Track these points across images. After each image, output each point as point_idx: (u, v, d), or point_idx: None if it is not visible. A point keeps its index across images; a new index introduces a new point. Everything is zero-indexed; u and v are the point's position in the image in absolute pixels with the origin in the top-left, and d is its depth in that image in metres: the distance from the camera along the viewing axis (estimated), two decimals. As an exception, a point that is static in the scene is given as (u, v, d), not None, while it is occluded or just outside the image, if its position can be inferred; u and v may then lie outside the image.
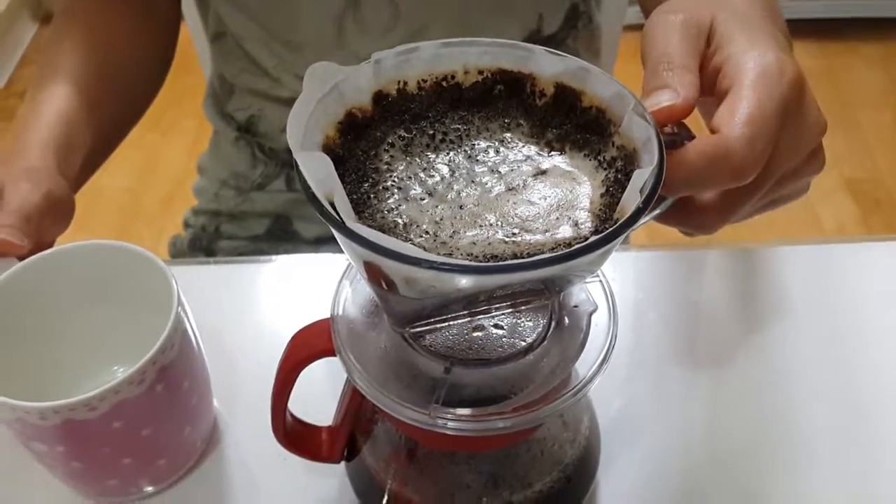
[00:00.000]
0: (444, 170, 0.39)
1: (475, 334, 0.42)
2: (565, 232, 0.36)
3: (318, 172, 0.34)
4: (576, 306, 0.44)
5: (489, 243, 0.36)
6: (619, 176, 0.38)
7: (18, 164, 0.63)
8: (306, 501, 0.55)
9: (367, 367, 0.42)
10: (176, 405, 0.52)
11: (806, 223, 1.91)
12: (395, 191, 0.38)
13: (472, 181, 0.39)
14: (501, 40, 0.41)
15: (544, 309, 0.43)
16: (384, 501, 0.49)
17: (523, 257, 0.35)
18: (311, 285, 0.67)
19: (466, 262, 0.34)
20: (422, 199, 0.38)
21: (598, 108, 0.40)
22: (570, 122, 0.41)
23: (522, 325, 0.42)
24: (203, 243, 0.92)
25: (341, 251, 0.36)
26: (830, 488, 0.54)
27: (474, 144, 0.40)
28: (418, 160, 0.40)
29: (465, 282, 0.33)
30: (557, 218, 0.37)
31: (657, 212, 0.40)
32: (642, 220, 0.35)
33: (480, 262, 0.35)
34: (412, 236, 0.36)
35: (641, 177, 0.34)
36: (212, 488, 0.56)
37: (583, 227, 0.36)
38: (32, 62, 2.52)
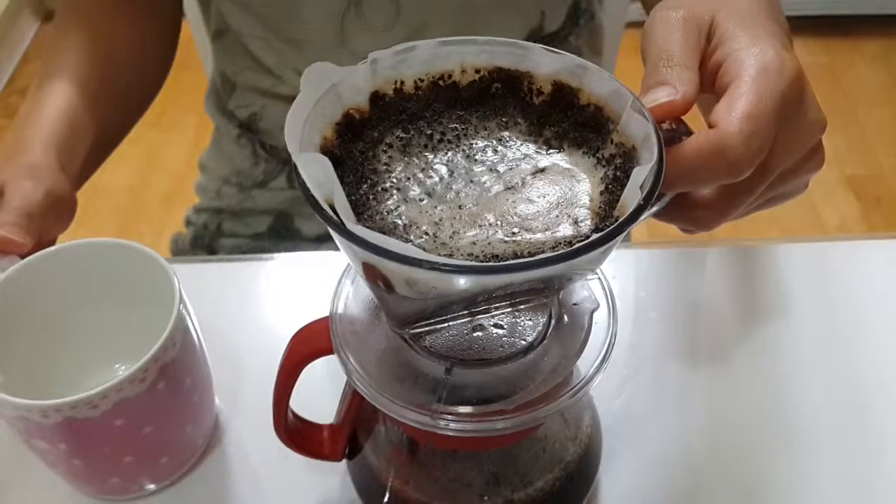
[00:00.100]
0: (443, 170, 0.39)
1: (475, 334, 0.42)
2: (565, 230, 0.36)
3: (318, 175, 0.34)
4: (575, 304, 0.44)
5: (489, 243, 0.36)
6: (619, 173, 0.38)
7: (20, 161, 0.63)
8: (308, 499, 0.55)
9: (366, 368, 0.42)
10: (178, 403, 0.52)
11: (807, 220, 1.91)
12: (394, 192, 0.38)
13: (471, 181, 0.38)
14: (498, 38, 0.41)
15: (544, 308, 0.43)
16: (385, 499, 0.49)
17: (524, 256, 0.35)
18: (312, 283, 0.67)
19: (469, 263, 0.34)
20: (421, 200, 0.38)
21: (595, 105, 0.40)
22: (568, 120, 0.41)
23: (522, 324, 0.42)
24: (205, 241, 0.92)
25: (343, 249, 0.36)
26: (831, 484, 0.54)
27: (472, 144, 0.40)
28: (416, 160, 0.40)
29: (466, 282, 0.33)
30: (557, 216, 0.37)
31: (655, 208, 0.40)
32: (642, 217, 0.35)
33: (481, 262, 0.35)
34: (412, 237, 0.36)
35: (641, 173, 0.34)
36: (213, 486, 0.56)
37: (583, 225, 0.36)
38: (34, 59, 2.52)
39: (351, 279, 0.46)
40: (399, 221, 0.36)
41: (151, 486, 0.55)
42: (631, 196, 0.34)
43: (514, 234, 0.36)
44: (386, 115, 0.41)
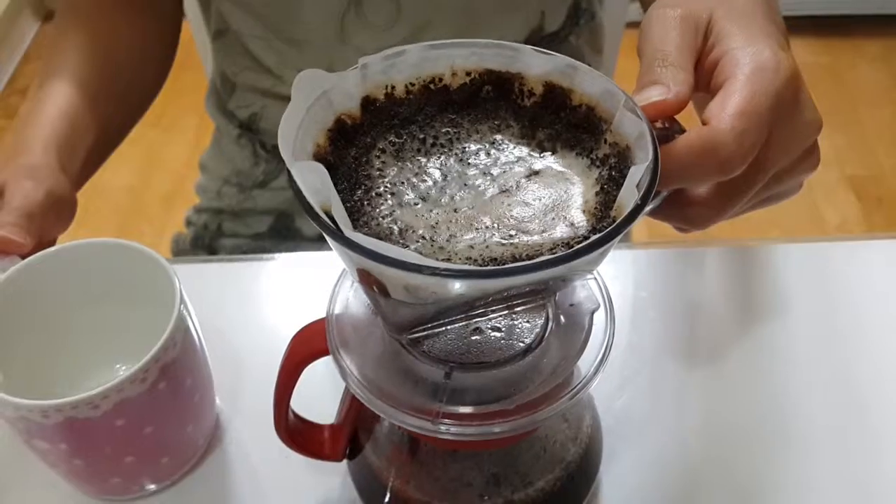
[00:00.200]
0: (437, 174, 0.39)
1: (473, 338, 0.42)
2: (562, 232, 0.36)
3: (314, 182, 0.34)
4: (572, 305, 0.44)
5: (487, 246, 0.36)
6: (613, 173, 0.38)
7: (21, 161, 0.63)
8: (308, 499, 0.55)
9: (364, 371, 0.42)
10: (178, 403, 0.52)
11: (808, 220, 1.91)
12: (389, 196, 0.38)
13: (465, 184, 0.38)
14: (488, 41, 0.41)
15: (540, 309, 0.43)
16: (386, 499, 0.49)
17: (522, 259, 0.35)
18: (313, 283, 0.67)
19: (469, 268, 0.34)
20: (416, 204, 0.37)
21: (588, 105, 0.40)
22: (561, 122, 0.41)
23: (520, 326, 0.42)
24: (205, 241, 0.92)
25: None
26: (833, 485, 0.54)
27: (465, 147, 0.40)
28: (410, 165, 0.39)
29: (466, 287, 0.33)
30: (553, 218, 0.37)
31: (650, 207, 0.40)
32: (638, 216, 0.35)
33: (479, 265, 0.35)
34: (408, 242, 0.36)
35: (637, 173, 0.34)
36: (214, 486, 0.56)
37: (579, 226, 0.36)
38: (34, 59, 2.52)
39: (349, 282, 0.46)
40: (395, 227, 0.36)
41: (152, 486, 0.55)
42: (628, 196, 0.34)
43: (511, 236, 0.36)
44: (378, 121, 0.41)
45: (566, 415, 0.50)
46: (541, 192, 0.38)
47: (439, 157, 0.40)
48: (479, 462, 0.48)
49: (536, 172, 0.39)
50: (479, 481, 0.47)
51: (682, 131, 0.39)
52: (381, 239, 0.34)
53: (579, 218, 0.37)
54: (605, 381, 0.42)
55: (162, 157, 2.15)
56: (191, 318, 0.51)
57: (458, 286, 0.33)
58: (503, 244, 0.36)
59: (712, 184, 0.41)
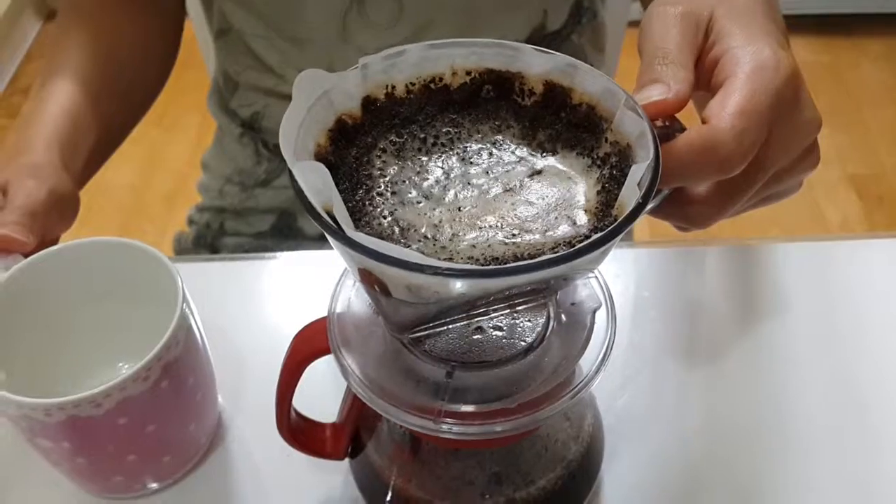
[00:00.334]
0: (438, 173, 0.39)
1: (475, 337, 0.42)
2: (564, 231, 0.36)
3: (316, 182, 0.34)
4: (573, 304, 0.44)
5: (489, 245, 0.36)
6: (615, 172, 0.38)
7: (23, 160, 0.63)
8: (310, 498, 0.55)
9: (366, 370, 0.42)
10: (181, 402, 0.52)
11: (809, 219, 1.91)
12: (390, 196, 0.38)
13: (468, 183, 0.38)
14: (488, 40, 0.41)
15: (542, 308, 0.43)
16: (388, 498, 0.49)
17: (523, 258, 0.35)
18: (315, 282, 0.67)
19: (471, 267, 0.34)
20: (418, 203, 0.37)
21: (588, 104, 0.40)
22: (562, 122, 0.41)
23: (522, 325, 0.42)
24: (207, 240, 0.92)
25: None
26: (836, 484, 0.54)
27: (466, 147, 0.40)
28: (411, 164, 0.39)
29: (468, 286, 0.33)
30: (556, 217, 0.37)
31: (651, 205, 0.40)
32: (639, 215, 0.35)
33: (481, 264, 0.35)
34: (410, 242, 0.36)
35: (639, 171, 0.34)
36: (216, 485, 0.56)
37: (581, 225, 0.36)
38: (37, 58, 2.52)
39: (351, 281, 0.46)
40: (396, 226, 0.36)
41: (154, 485, 0.55)
42: (629, 194, 0.34)
43: (513, 236, 0.36)
44: (378, 120, 0.41)
45: (568, 413, 0.50)
46: (543, 192, 0.38)
47: (440, 157, 0.40)
48: (480, 461, 0.48)
49: (538, 172, 0.39)
50: (480, 480, 0.48)
51: (683, 130, 0.39)
52: (382, 238, 0.35)
53: (581, 217, 0.37)
54: (606, 379, 0.42)
55: (164, 156, 2.15)
56: (193, 316, 0.51)
57: (459, 285, 0.33)
58: (505, 243, 0.36)
59: (712, 183, 0.41)
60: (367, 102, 0.41)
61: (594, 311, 0.43)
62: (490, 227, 0.36)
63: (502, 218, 0.37)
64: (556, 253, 0.34)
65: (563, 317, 0.43)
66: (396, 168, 0.39)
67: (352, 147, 0.40)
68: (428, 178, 0.39)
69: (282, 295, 0.68)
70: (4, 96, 2.41)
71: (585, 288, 0.45)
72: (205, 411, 0.55)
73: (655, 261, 0.69)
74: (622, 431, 0.56)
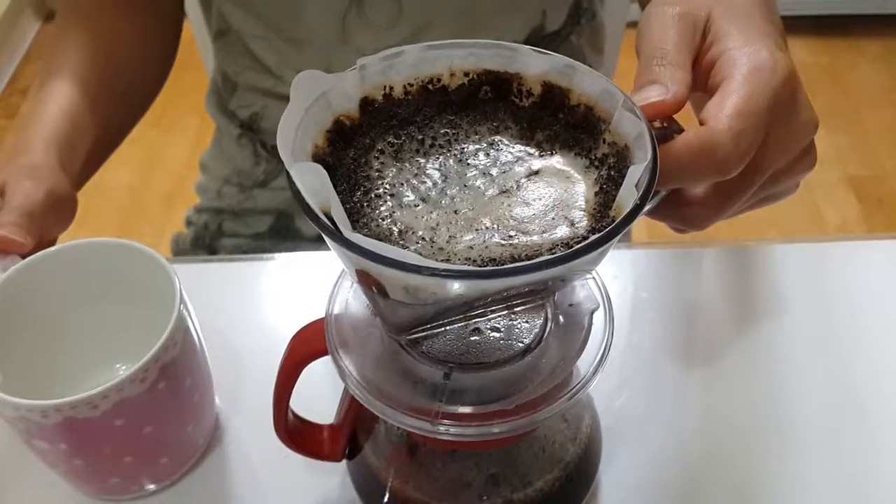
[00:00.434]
0: (436, 175, 0.39)
1: (473, 338, 0.42)
2: (562, 232, 0.36)
3: (313, 184, 0.34)
4: (571, 305, 0.44)
5: (486, 247, 0.36)
6: (613, 173, 0.38)
7: (21, 161, 0.63)
8: (308, 499, 0.55)
9: (363, 372, 0.42)
10: (178, 403, 0.52)
11: (808, 221, 1.91)
12: (388, 198, 0.38)
13: (465, 185, 0.38)
14: (486, 41, 0.41)
15: (539, 309, 0.43)
16: (385, 500, 0.49)
17: (521, 259, 0.35)
18: (313, 283, 0.67)
19: (468, 268, 0.34)
20: (416, 206, 0.37)
21: (586, 105, 0.40)
22: (559, 122, 0.41)
23: (519, 326, 0.42)
24: (205, 241, 0.92)
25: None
26: (833, 485, 0.54)
27: (464, 148, 0.40)
28: (409, 166, 0.39)
29: (466, 287, 0.33)
30: (553, 218, 0.37)
31: (648, 206, 0.40)
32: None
33: (479, 265, 0.35)
34: (408, 243, 0.36)
35: (636, 172, 0.34)
36: (213, 486, 0.56)
37: (578, 226, 0.36)
38: (35, 59, 2.52)
39: (349, 282, 0.46)
40: (394, 228, 0.36)
41: (151, 486, 0.55)
42: (627, 196, 0.34)
43: (510, 237, 0.36)
44: (376, 121, 0.41)
45: (565, 415, 0.50)
46: (540, 193, 0.38)
47: (438, 158, 0.40)
48: (478, 462, 0.48)
49: (536, 173, 0.39)
50: (478, 481, 0.47)
51: (681, 131, 0.39)
52: (380, 240, 0.34)
53: (579, 218, 0.37)
54: (604, 380, 0.42)
55: (162, 157, 2.15)
56: (191, 317, 0.51)
57: (457, 287, 0.33)
58: (503, 245, 0.36)
59: (710, 184, 0.41)
60: (365, 103, 0.41)
61: (592, 313, 0.43)
62: (487, 228, 0.36)
63: (500, 219, 0.37)
64: (553, 254, 0.34)
65: (560, 318, 0.43)
66: (394, 169, 0.39)
67: (349, 148, 0.40)
68: (426, 180, 0.39)
69: (279, 296, 0.68)
70: (3, 97, 2.41)
71: (583, 289, 0.45)
72: (202, 413, 0.55)
73: (653, 262, 0.69)
74: (620, 432, 0.56)
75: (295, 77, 0.37)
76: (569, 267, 0.32)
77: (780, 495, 0.54)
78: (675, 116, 0.40)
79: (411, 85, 0.41)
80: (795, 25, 2.32)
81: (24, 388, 0.47)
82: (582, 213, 0.37)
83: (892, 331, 0.63)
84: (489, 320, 0.42)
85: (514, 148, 0.40)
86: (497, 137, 0.41)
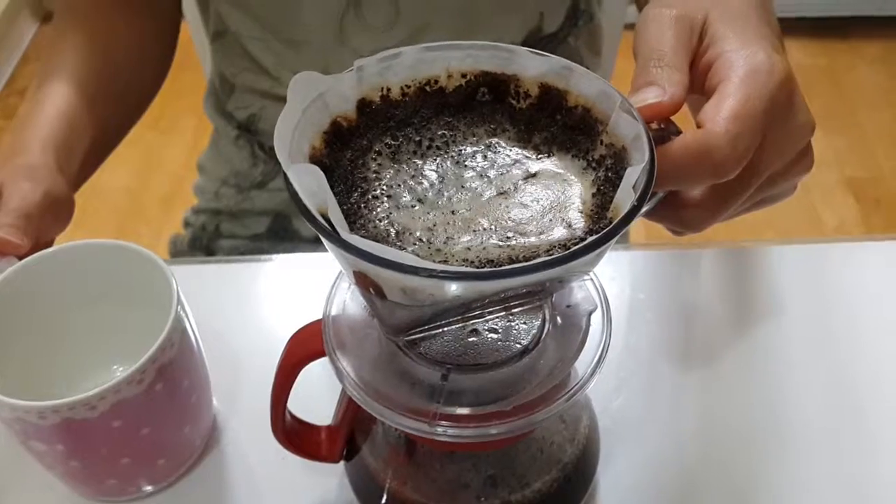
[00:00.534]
0: (433, 176, 0.39)
1: (470, 339, 0.42)
2: (559, 233, 0.36)
3: (310, 185, 0.34)
4: (568, 306, 0.44)
5: (484, 248, 0.36)
6: (610, 174, 0.38)
7: (18, 162, 0.63)
8: (305, 501, 0.55)
9: (361, 373, 0.42)
10: (175, 404, 0.52)
11: (806, 222, 1.91)
12: (385, 199, 0.38)
13: (462, 186, 0.38)
14: (483, 42, 0.41)
15: (537, 311, 0.43)
16: (383, 501, 0.49)
17: (518, 260, 0.35)
18: (311, 284, 0.67)
19: (466, 269, 0.34)
20: (413, 206, 0.37)
21: (583, 106, 0.40)
22: (557, 124, 0.41)
23: (517, 327, 0.42)
24: (203, 242, 0.92)
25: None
26: (829, 485, 0.54)
27: (461, 150, 0.40)
28: (406, 167, 0.39)
29: (463, 288, 0.33)
30: (551, 220, 0.37)
31: (646, 208, 0.40)
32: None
33: (477, 267, 0.35)
34: (405, 245, 0.36)
35: (634, 174, 0.34)
36: (211, 488, 0.56)
37: (576, 227, 0.36)
38: (33, 60, 2.52)
39: (346, 283, 0.46)
40: (392, 229, 0.36)
41: (149, 488, 0.55)
42: (624, 197, 0.34)
43: (508, 238, 0.36)
44: (374, 123, 0.41)
45: (563, 416, 0.50)
46: (538, 194, 0.38)
47: (436, 160, 0.40)
48: (476, 463, 0.48)
49: (533, 174, 0.39)
50: (476, 483, 0.47)
51: (678, 132, 0.39)
52: (377, 241, 0.34)
53: (577, 220, 0.37)
54: (602, 382, 0.42)
55: (160, 159, 2.14)
56: (188, 319, 0.51)
57: (454, 288, 0.33)
58: (500, 246, 0.36)
59: (707, 186, 0.42)
60: (363, 105, 0.41)
61: (590, 314, 0.43)
62: (485, 229, 0.36)
63: (497, 221, 0.37)
64: (551, 255, 0.34)
65: (558, 319, 0.43)
66: (391, 171, 0.39)
67: (347, 150, 0.40)
68: (423, 182, 0.39)
69: (277, 297, 0.68)
70: (1, 98, 2.40)
71: (581, 290, 0.45)
72: (199, 414, 0.55)
73: (651, 263, 0.69)
74: (618, 433, 0.56)
75: (292, 78, 0.37)
76: (566, 268, 0.32)
77: (778, 496, 0.54)
78: (672, 118, 0.40)
79: (408, 86, 0.41)
80: (794, 27, 2.32)
81: (21, 389, 0.47)
82: (579, 214, 0.37)
83: (890, 331, 0.63)
84: (487, 321, 0.42)
85: (511, 150, 0.40)
86: (494, 140, 0.41)
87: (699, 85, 0.42)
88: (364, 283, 0.35)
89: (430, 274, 0.31)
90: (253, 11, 0.78)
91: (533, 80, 0.41)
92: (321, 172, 0.34)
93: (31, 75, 2.42)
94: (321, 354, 0.44)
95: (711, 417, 0.58)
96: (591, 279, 0.45)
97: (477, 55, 0.41)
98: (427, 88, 0.42)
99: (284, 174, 0.34)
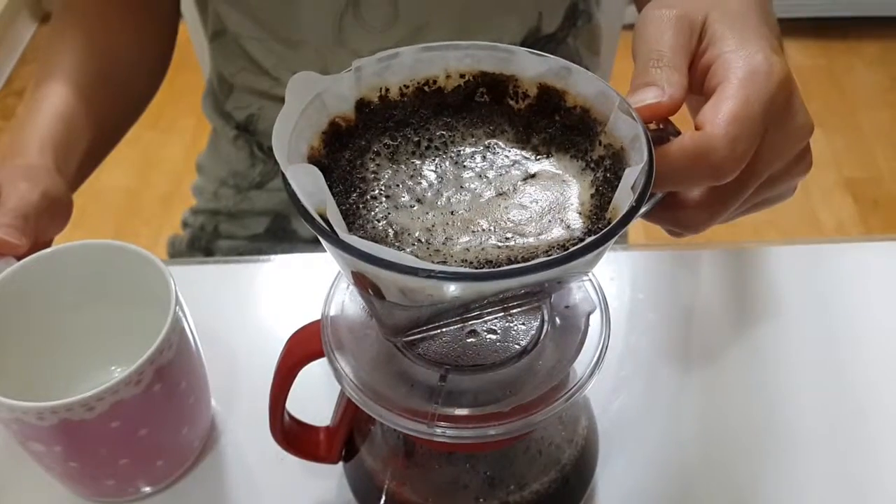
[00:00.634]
0: (432, 176, 0.39)
1: (469, 340, 0.42)
2: (558, 234, 0.36)
3: (308, 185, 0.34)
4: (567, 307, 0.44)
5: (483, 249, 0.35)
6: (608, 175, 0.38)
7: (16, 162, 0.63)
8: (304, 502, 0.55)
9: (359, 374, 0.42)
10: (174, 405, 0.52)
11: (805, 222, 1.91)
12: (384, 199, 0.38)
13: (461, 187, 0.38)
14: (482, 42, 0.41)
15: (536, 311, 0.43)
16: (381, 502, 0.49)
17: (517, 261, 0.35)
18: (309, 285, 0.67)
19: (464, 270, 0.34)
20: (412, 207, 0.37)
21: (582, 107, 0.40)
22: (556, 125, 0.40)
23: (516, 328, 0.42)
24: (202, 243, 0.91)
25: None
26: (827, 486, 0.54)
27: (460, 151, 0.40)
28: (405, 168, 0.39)
29: (462, 289, 0.33)
30: (550, 221, 0.37)
31: (644, 209, 0.40)
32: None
33: (476, 267, 0.35)
34: (404, 245, 0.36)
35: (632, 174, 0.34)
36: (209, 489, 0.56)
37: (575, 228, 0.36)
38: (31, 61, 2.52)
39: (345, 284, 0.46)
40: (390, 229, 0.36)
41: (147, 489, 0.55)
42: (623, 198, 0.34)
43: (507, 239, 0.36)
44: (372, 123, 0.41)
45: (562, 417, 0.50)
46: (536, 195, 0.38)
47: (434, 160, 0.40)
48: (474, 464, 0.48)
49: (532, 175, 0.39)
50: (474, 483, 0.47)
51: (677, 133, 0.39)
52: (376, 242, 0.34)
53: (575, 220, 0.37)
54: (600, 383, 0.42)
55: (159, 159, 2.14)
56: (186, 319, 0.51)
57: (453, 288, 0.33)
58: (499, 247, 0.36)
59: (705, 188, 0.42)
60: (361, 105, 0.41)
61: (588, 315, 0.43)
62: (484, 230, 0.36)
63: (496, 221, 0.37)
64: (549, 256, 0.34)
65: (557, 320, 0.43)
66: (390, 171, 0.39)
67: (345, 150, 0.40)
68: (421, 182, 0.39)
69: (276, 298, 0.68)
70: (-1, 98, 2.41)
71: (580, 291, 0.45)
72: (198, 415, 0.55)
73: (650, 264, 0.69)
74: (617, 434, 0.56)
75: (290, 79, 0.37)
76: (565, 269, 0.32)
77: (777, 497, 0.54)
78: (671, 119, 0.40)
79: (407, 87, 0.41)
80: (793, 27, 2.32)
81: (19, 389, 0.47)
82: (578, 215, 0.37)
83: (889, 331, 0.63)
84: (485, 322, 0.42)
85: (510, 151, 0.40)
86: (493, 141, 0.41)
87: (698, 86, 0.42)
88: (363, 283, 0.35)
89: (429, 274, 0.31)
90: (252, 11, 0.78)
91: (532, 80, 0.41)
92: (319, 173, 0.34)
93: (30, 76, 2.42)
94: (320, 355, 0.44)
95: (710, 418, 0.58)
96: (590, 280, 0.45)
97: (475, 55, 0.41)
98: (426, 89, 0.41)
99: (283, 174, 0.34)
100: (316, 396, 0.52)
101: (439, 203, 0.38)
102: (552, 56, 0.40)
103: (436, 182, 0.39)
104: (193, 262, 0.81)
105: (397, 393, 0.41)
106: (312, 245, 0.87)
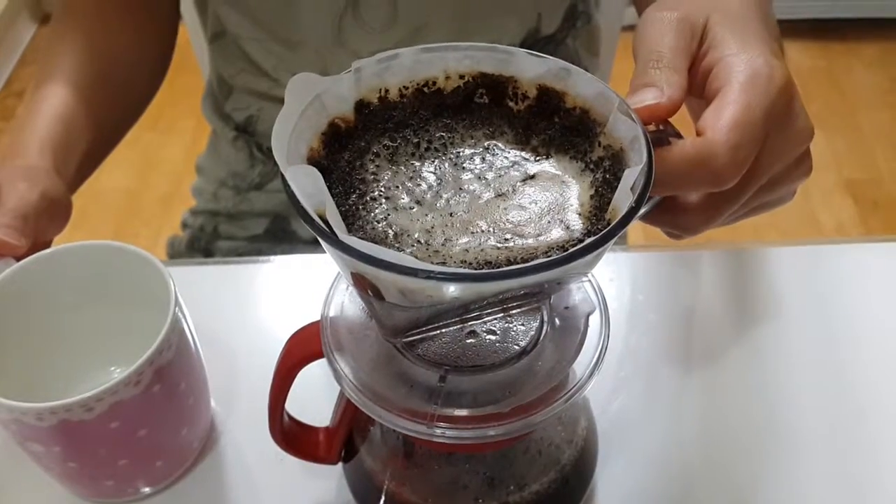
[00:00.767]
0: (431, 178, 0.39)
1: (468, 341, 0.42)
2: (557, 235, 0.36)
3: (307, 186, 0.34)
4: (567, 307, 0.44)
5: (482, 250, 0.36)
6: (608, 176, 0.38)
7: (16, 163, 0.63)
8: (303, 502, 0.55)
9: (359, 374, 0.42)
10: (173, 406, 0.52)
11: (805, 223, 1.91)
12: (383, 200, 0.38)
13: (461, 188, 0.38)
14: (481, 44, 0.41)
15: (535, 312, 0.43)
16: (381, 502, 0.49)
17: (517, 262, 0.35)
18: (309, 285, 0.67)
19: (464, 271, 0.34)
20: (411, 208, 0.37)
21: (581, 108, 0.40)
22: (555, 126, 0.40)
23: (515, 329, 0.42)
24: (201, 244, 0.91)
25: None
26: (827, 487, 0.54)
27: (459, 152, 0.40)
28: (404, 169, 0.39)
29: (461, 290, 0.33)
30: (549, 222, 0.37)
31: (643, 211, 0.40)
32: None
33: (475, 268, 0.35)
34: (403, 246, 0.36)
35: (632, 175, 0.34)
36: (209, 489, 0.56)
37: (574, 229, 0.36)
38: (31, 62, 2.52)
39: (344, 284, 0.46)
40: (390, 230, 0.36)
41: (147, 489, 0.55)
42: (622, 199, 0.34)
43: (506, 240, 0.36)
44: (372, 124, 0.41)
45: (561, 417, 0.50)
46: (536, 196, 0.38)
47: (434, 162, 0.40)
48: (474, 465, 0.48)
49: (531, 176, 0.39)
50: (474, 484, 0.47)
51: (676, 134, 0.39)
52: (375, 243, 0.34)
53: (575, 221, 0.37)
54: (600, 383, 0.42)
55: (159, 160, 2.14)
56: (186, 320, 0.51)
57: (452, 289, 0.33)
58: (498, 248, 0.36)
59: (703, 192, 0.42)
60: (361, 106, 0.41)
61: (588, 315, 0.43)
62: (483, 231, 0.36)
63: (495, 222, 0.37)
64: (549, 257, 0.34)
65: (556, 321, 0.43)
66: (389, 172, 0.39)
67: (345, 151, 0.40)
68: (421, 183, 0.39)
69: (275, 299, 0.68)
70: (-1, 99, 2.41)
71: (579, 292, 0.45)
72: (197, 415, 0.55)
73: (650, 264, 0.69)
74: (616, 435, 0.56)
75: (290, 80, 0.37)
76: (564, 270, 0.32)
77: (777, 497, 0.54)
78: (670, 120, 0.40)
79: (407, 88, 0.41)
80: (793, 29, 2.32)
81: (19, 390, 0.47)
82: (577, 216, 0.37)
83: (889, 332, 0.63)
84: (485, 323, 0.42)
85: (509, 153, 0.40)
86: (493, 142, 0.41)
87: (699, 89, 0.42)
88: (362, 284, 0.35)
89: (428, 275, 0.31)
90: (251, 13, 0.78)
91: (531, 81, 0.41)
92: (318, 174, 0.34)
93: (30, 77, 2.42)
94: (319, 356, 0.44)
95: (710, 419, 0.58)
96: (590, 280, 0.45)
97: (475, 56, 0.41)
98: (425, 90, 0.41)
99: (282, 175, 0.34)
100: (315, 397, 0.52)
101: (439, 204, 0.38)
102: (551, 57, 0.40)
103: (435, 183, 0.39)
104: (193, 262, 0.81)
105: (397, 394, 0.41)
106: (312, 246, 0.87)
